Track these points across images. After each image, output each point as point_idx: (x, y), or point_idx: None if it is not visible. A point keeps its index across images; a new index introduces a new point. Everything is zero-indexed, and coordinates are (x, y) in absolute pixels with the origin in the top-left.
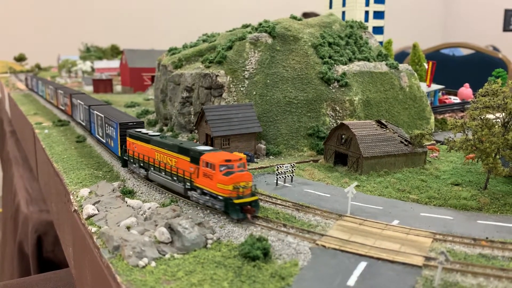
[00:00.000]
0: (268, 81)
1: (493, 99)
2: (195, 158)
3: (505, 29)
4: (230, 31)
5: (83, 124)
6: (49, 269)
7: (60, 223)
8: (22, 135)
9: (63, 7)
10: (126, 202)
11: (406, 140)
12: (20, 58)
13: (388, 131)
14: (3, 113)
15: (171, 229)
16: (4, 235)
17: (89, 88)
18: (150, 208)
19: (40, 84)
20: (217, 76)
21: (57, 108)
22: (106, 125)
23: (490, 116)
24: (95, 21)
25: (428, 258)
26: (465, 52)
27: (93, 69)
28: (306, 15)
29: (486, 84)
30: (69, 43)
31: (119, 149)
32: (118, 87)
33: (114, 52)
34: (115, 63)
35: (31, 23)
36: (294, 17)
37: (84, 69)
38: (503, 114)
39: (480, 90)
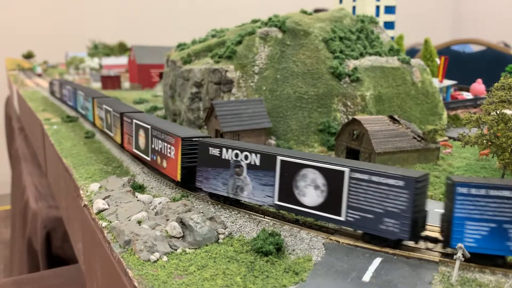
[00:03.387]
0: (278, 76)
1: (510, 93)
2: None
3: None
4: (239, 26)
5: None
6: (58, 265)
7: (70, 218)
8: (30, 131)
9: (71, 4)
10: (137, 197)
11: (419, 136)
12: (29, 55)
13: (400, 126)
14: (11, 110)
15: (182, 223)
16: (13, 231)
17: (97, 85)
18: (160, 202)
19: (80, 96)
20: (226, 71)
21: (121, 147)
22: None
23: (507, 111)
24: (102, 18)
25: (444, 254)
26: (475, 48)
27: (101, 66)
28: (316, 11)
29: (502, 78)
30: (76, 40)
31: None
32: (126, 84)
33: (122, 49)
34: (123, 60)
35: (39, 21)
36: (304, 12)
37: (92, 66)
38: None
39: (496, 84)
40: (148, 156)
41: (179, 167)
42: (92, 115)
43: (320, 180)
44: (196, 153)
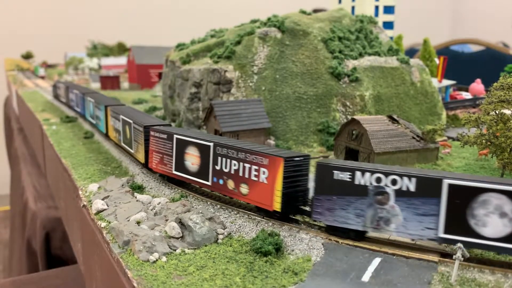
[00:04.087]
0: (277, 76)
1: (509, 93)
2: None
3: None
4: (238, 26)
5: None
6: (57, 266)
7: (69, 219)
8: (29, 132)
9: (70, 4)
10: (136, 197)
11: (418, 136)
12: (28, 56)
13: (400, 126)
14: (10, 110)
15: (181, 224)
16: (12, 232)
17: (96, 85)
18: (159, 203)
19: (90, 103)
20: (225, 71)
21: (145, 167)
22: None
23: (506, 111)
24: (102, 19)
25: (444, 254)
26: (474, 48)
27: (100, 66)
28: (316, 11)
29: (501, 78)
30: (76, 41)
31: None
32: (125, 84)
33: (121, 49)
34: (122, 60)
35: (38, 21)
36: (303, 12)
37: (91, 66)
38: None
39: (495, 84)
40: (207, 180)
41: (278, 194)
42: (104, 126)
43: (509, 206)
44: (297, 176)
